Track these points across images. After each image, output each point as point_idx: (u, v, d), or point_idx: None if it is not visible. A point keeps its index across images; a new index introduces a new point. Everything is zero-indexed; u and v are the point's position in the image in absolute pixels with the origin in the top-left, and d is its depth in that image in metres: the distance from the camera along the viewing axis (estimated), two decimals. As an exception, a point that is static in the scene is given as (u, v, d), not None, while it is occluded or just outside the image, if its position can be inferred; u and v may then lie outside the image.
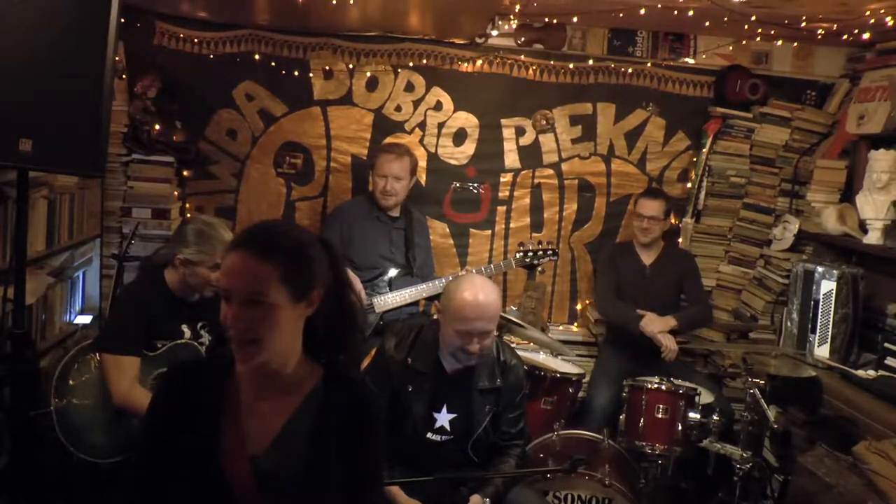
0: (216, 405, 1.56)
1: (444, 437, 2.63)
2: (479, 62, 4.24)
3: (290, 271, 1.51)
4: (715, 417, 3.16)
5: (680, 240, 4.33)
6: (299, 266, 1.53)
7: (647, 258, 4.03)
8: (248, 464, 1.53)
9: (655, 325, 3.78)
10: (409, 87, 4.27)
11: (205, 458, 1.52)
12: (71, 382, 2.72)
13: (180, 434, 1.53)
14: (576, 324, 4.50)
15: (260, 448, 1.55)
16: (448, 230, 4.40)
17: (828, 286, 3.55)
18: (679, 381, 3.34)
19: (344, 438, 1.59)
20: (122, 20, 2.57)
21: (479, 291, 2.49)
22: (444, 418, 2.62)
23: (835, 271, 3.53)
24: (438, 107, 4.29)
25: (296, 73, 4.17)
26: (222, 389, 1.58)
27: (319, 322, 1.59)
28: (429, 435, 2.63)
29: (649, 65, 4.28)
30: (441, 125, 4.31)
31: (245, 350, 1.51)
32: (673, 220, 4.20)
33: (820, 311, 3.58)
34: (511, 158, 4.38)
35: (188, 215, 4.24)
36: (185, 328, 2.81)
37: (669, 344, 3.74)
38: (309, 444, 1.57)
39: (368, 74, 4.23)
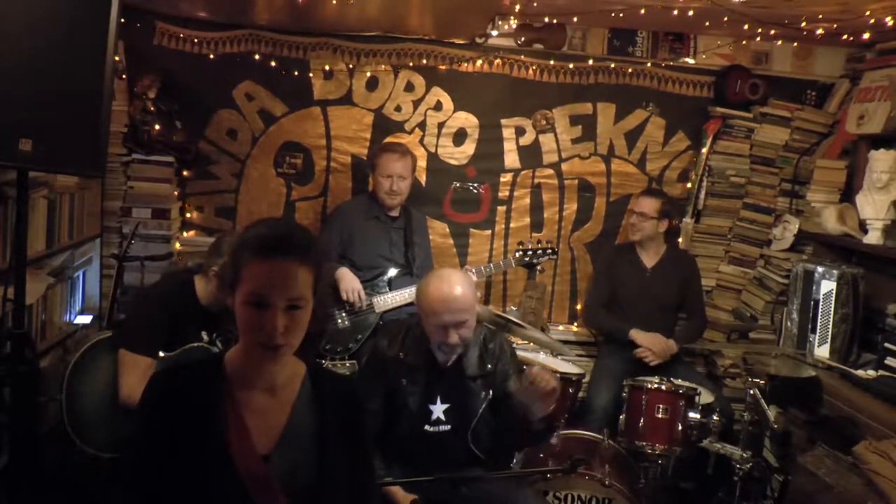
0: (215, 407, 1.55)
1: (441, 428, 2.66)
2: (479, 62, 4.24)
3: (318, 273, 1.56)
4: (715, 417, 3.16)
5: (680, 240, 4.33)
6: (321, 267, 1.58)
7: (649, 260, 4.01)
8: (261, 462, 1.54)
9: (648, 341, 3.79)
10: (409, 87, 4.27)
11: (215, 460, 1.52)
12: (84, 375, 2.74)
13: (181, 438, 1.52)
14: (576, 324, 4.50)
15: (268, 445, 1.56)
16: (448, 230, 4.40)
17: (828, 286, 3.55)
18: (679, 381, 3.34)
19: (341, 427, 1.63)
20: (122, 20, 2.57)
21: (443, 285, 2.55)
22: (439, 409, 2.66)
23: (835, 271, 3.52)
24: (438, 107, 4.29)
25: (296, 73, 4.17)
26: (218, 390, 1.57)
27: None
28: (427, 427, 2.65)
29: (649, 65, 4.28)
30: (441, 125, 4.31)
31: (273, 353, 1.53)
32: (673, 222, 4.19)
33: (820, 311, 3.58)
34: (511, 158, 4.38)
35: (188, 214, 4.25)
36: (203, 335, 2.82)
37: (657, 351, 3.74)
38: (313, 437, 1.60)
39: (368, 74, 4.23)
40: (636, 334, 3.80)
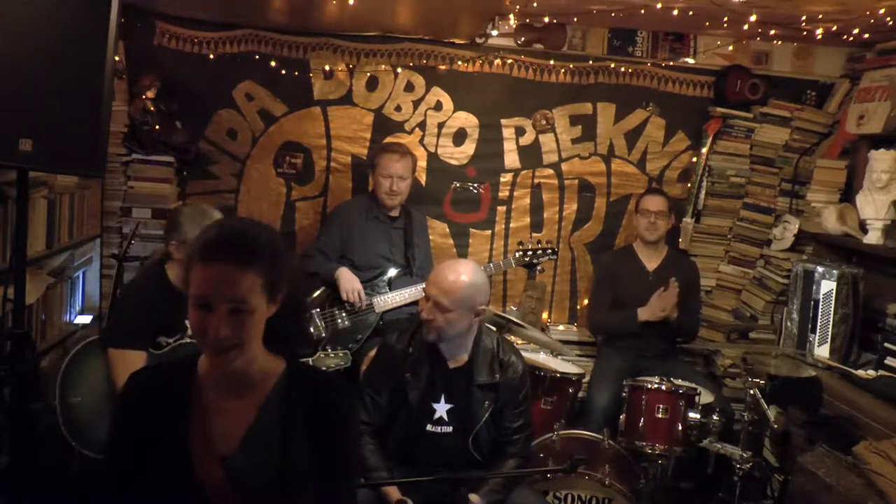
0: (182, 407, 1.56)
1: (443, 429, 2.66)
2: (479, 62, 4.24)
3: (270, 277, 1.52)
4: (715, 417, 3.16)
5: (680, 239, 4.32)
6: (277, 271, 1.54)
7: (651, 263, 4.00)
8: (218, 464, 1.53)
9: (654, 307, 3.77)
10: (409, 87, 4.27)
11: (175, 460, 1.52)
12: (76, 378, 2.74)
13: (148, 438, 1.53)
14: (576, 324, 4.50)
15: (230, 447, 1.55)
16: (448, 230, 4.40)
17: (828, 286, 3.55)
18: (679, 381, 3.33)
19: (313, 430, 1.60)
20: (122, 20, 2.57)
21: (448, 263, 2.70)
22: (442, 408, 2.65)
23: (835, 271, 3.52)
24: (438, 107, 4.29)
25: (296, 73, 4.17)
26: (187, 391, 1.57)
27: (279, 315, 1.59)
28: (428, 427, 2.65)
29: (649, 65, 4.28)
30: (441, 125, 4.31)
31: (225, 356, 1.51)
32: (673, 221, 4.20)
33: (820, 311, 3.58)
34: (511, 158, 4.38)
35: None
36: (188, 323, 2.81)
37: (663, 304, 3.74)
38: (279, 440, 1.57)
39: (368, 74, 4.23)
40: (643, 312, 3.78)
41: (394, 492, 2.50)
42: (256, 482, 1.54)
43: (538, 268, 4.01)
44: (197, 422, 1.55)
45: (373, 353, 3.13)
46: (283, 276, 1.56)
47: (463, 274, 2.59)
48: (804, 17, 3.57)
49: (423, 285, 3.66)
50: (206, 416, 1.56)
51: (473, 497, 2.51)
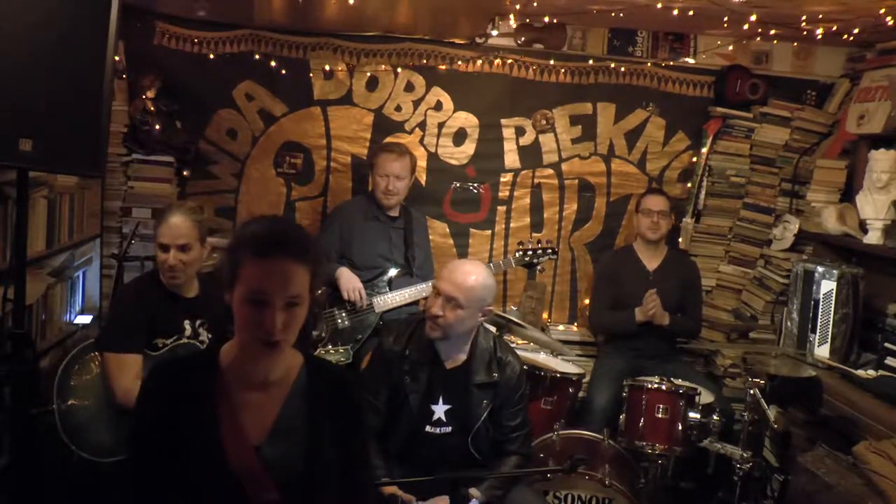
0: (208, 399, 1.58)
1: (442, 430, 2.66)
2: (479, 62, 4.24)
3: (316, 271, 1.60)
4: (715, 417, 3.16)
5: (680, 239, 4.32)
6: (320, 265, 1.62)
7: (651, 263, 4.00)
8: (252, 453, 1.57)
9: (646, 305, 3.77)
10: (409, 87, 4.27)
11: (208, 452, 1.54)
12: (73, 382, 2.73)
13: (176, 431, 1.54)
14: (576, 324, 4.50)
15: (261, 437, 1.59)
16: (448, 230, 4.40)
17: (828, 286, 3.55)
18: (679, 381, 3.34)
19: (334, 421, 1.65)
20: (122, 20, 2.57)
21: (464, 262, 2.72)
22: (440, 410, 2.66)
23: (835, 271, 3.52)
24: (438, 107, 4.29)
25: (296, 74, 4.17)
26: (211, 384, 1.60)
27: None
28: (428, 428, 2.66)
29: (649, 65, 4.28)
30: (441, 125, 4.31)
31: (271, 349, 1.55)
32: (673, 221, 4.20)
33: (820, 311, 3.58)
34: (511, 158, 4.38)
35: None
36: (186, 324, 2.81)
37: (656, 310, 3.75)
38: (306, 429, 1.62)
39: (368, 74, 4.23)
40: (639, 313, 3.79)
41: (393, 491, 2.51)
42: (293, 469, 1.59)
43: (538, 268, 4.01)
44: (225, 413, 1.58)
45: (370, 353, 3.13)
46: (322, 272, 1.65)
47: (475, 274, 2.62)
48: (804, 17, 3.57)
49: (424, 285, 3.73)
50: (233, 408, 1.59)
51: (473, 491, 2.52)
